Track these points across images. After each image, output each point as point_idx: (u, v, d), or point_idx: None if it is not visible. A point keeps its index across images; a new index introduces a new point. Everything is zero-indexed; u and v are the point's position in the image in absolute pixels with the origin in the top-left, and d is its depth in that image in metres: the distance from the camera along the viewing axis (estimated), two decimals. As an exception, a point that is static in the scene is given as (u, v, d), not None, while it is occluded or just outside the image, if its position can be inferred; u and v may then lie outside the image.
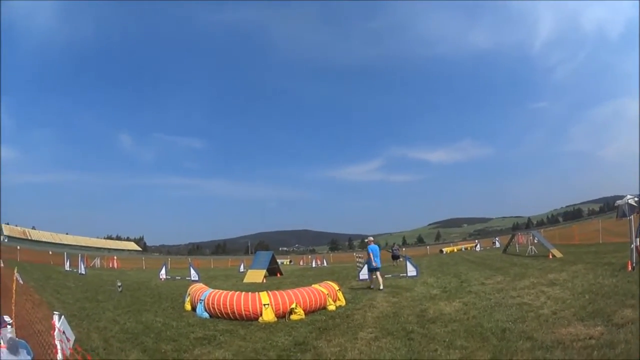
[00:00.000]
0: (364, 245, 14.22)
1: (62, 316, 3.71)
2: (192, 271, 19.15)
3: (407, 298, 8.89)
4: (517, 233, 33.47)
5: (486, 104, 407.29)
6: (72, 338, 3.70)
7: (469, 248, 47.41)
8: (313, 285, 8.58)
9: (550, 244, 18.50)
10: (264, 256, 19.68)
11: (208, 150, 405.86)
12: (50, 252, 41.44)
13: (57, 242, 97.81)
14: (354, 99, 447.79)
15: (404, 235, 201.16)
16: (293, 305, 7.21)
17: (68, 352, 3.52)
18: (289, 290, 7.82)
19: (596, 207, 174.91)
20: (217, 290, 8.13)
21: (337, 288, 8.80)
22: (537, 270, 11.94)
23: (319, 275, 18.14)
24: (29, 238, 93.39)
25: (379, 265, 11.34)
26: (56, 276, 18.88)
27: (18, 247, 39.43)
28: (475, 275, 12.63)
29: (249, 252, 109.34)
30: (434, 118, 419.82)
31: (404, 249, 51.15)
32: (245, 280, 17.09)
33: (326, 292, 8.22)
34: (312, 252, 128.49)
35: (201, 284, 10.57)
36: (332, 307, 7.95)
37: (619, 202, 11.27)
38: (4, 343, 3.23)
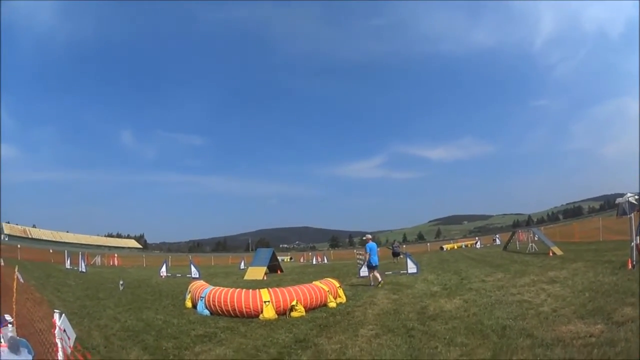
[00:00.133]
0: (362, 243, 14.25)
1: (63, 314, 3.71)
2: (193, 268, 19.27)
3: (408, 295, 8.90)
4: (517, 230, 33.55)
5: (488, 101, 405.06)
6: (73, 336, 3.71)
7: (469, 245, 47.36)
8: (314, 282, 8.61)
9: (550, 242, 18.49)
10: (265, 253, 19.73)
11: (209, 148, 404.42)
12: (51, 250, 41.60)
13: (57, 240, 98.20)
14: (356, 96, 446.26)
15: (404, 232, 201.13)
16: (294, 302, 7.22)
17: (69, 351, 3.53)
18: (289, 287, 7.84)
19: (596, 205, 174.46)
20: (217, 288, 8.15)
21: (337, 285, 8.82)
22: (537, 268, 11.94)
23: (320, 272, 18.14)
24: (30, 236, 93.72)
25: (377, 263, 11.47)
26: (57, 274, 18.95)
27: (18, 246, 39.59)
28: (475, 272, 12.63)
29: (250, 249, 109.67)
30: (435, 115, 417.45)
31: (404, 246, 51.27)
32: (245, 278, 17.12)
33: (327, 289, 8.23)
34: (313, 249, 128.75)
35: (202, 281, 10.58)
36: (332, 304, 7.96)
37: (619, 200, 11.32)
38: (4, 342, 3.23)
